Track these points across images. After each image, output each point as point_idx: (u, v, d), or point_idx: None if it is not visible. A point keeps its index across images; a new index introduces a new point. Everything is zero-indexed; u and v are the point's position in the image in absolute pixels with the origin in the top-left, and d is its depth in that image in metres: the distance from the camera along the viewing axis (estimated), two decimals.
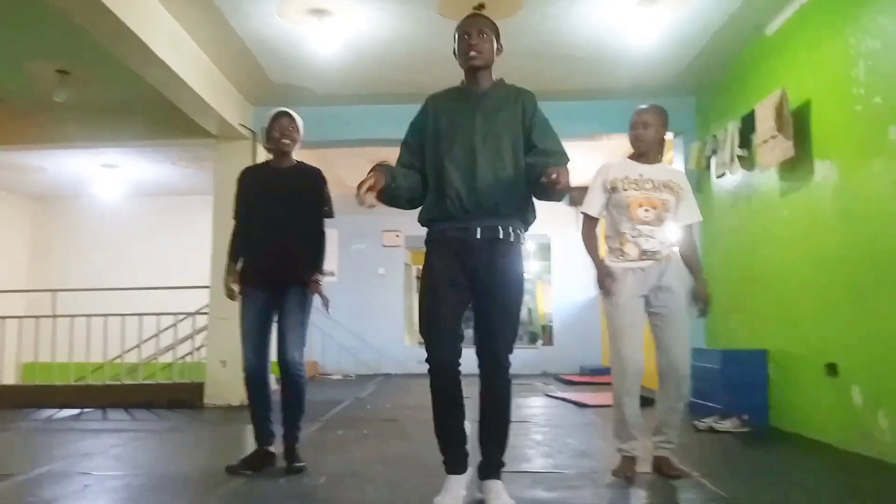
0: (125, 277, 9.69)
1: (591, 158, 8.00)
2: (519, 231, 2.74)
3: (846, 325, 4.05)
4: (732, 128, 5.31)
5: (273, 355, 3.47)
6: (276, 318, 3.50)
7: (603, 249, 3.42)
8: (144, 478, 3.47)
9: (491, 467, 2.71)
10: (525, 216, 2.78)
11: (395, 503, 2.93)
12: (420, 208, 2.81)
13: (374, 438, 4.53)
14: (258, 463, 3.41)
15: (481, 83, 2.80)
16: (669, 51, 5.44)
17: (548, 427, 5.04)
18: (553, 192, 2.51)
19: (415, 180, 2.78)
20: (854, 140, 4.01)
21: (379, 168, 2.62)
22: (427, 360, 2.66)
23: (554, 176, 2.44)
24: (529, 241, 11.36)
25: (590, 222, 3.45)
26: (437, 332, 2.66)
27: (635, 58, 5.52)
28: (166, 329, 7.36)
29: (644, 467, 3.34)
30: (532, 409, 6.11)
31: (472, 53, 2.73)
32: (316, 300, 3.52)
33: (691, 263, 3.48)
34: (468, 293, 2.70)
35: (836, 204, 4.19)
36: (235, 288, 3.56)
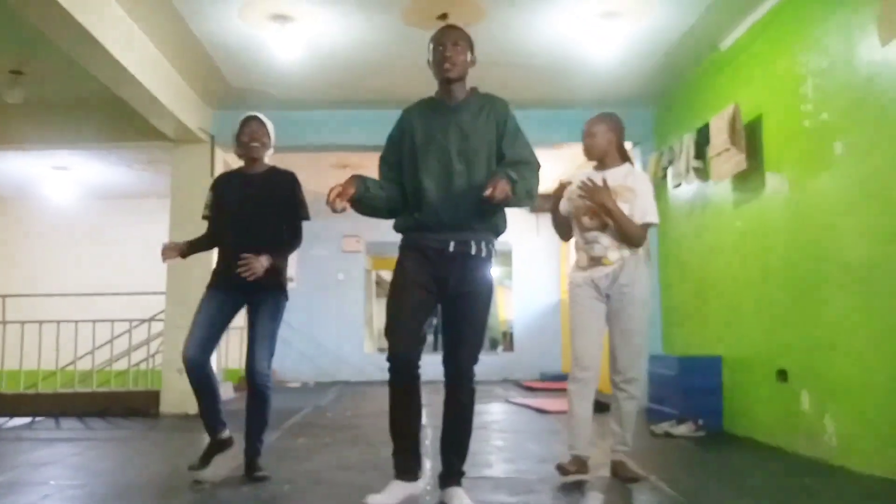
0: (78, 282, 9.46)
1: (553, 167, 8.19)
2: (491, 245, 2.82)
3: (794, 332, 4.21)
4: (688, 140, 5.46)
5: (234, 363, 3.44)
6: (229, 323, 3.49)
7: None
8: (106, 486, 3.42)
9: (452, 475, 2.77)
10: (498, 228, 2.86)
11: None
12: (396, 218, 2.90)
13: (336, 446, 4.53)
14: (213, 453, 3.42)
15: (455, 94, 2.84)
16: (628, 63, 5.57)
17: (509, 433, 5.10)
18: (490, 206, 2.63)
19: (395, 192, 2.84)
20: (802, 154, 4.17)
21: (353, 177, 2.69)
22: (388, 358, 2.70)
23: (488, 192, 2.54)
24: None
25: (565, 223, 3.59)
26: (400, 328, 2.71)
27: (595, 69, 5.64)
28: (120, 335, 7.22)
29: (603, 471, 3.42)
30: (493, 416, 6.17)
31: (447, 66, 2.76)
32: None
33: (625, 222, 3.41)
34: (435, 300, 2.77)
35: (784, 215, 4.35)
36: (173, 251, 3.54)
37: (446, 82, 2.82)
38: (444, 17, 4.78)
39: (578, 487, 3.26)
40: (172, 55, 5.53)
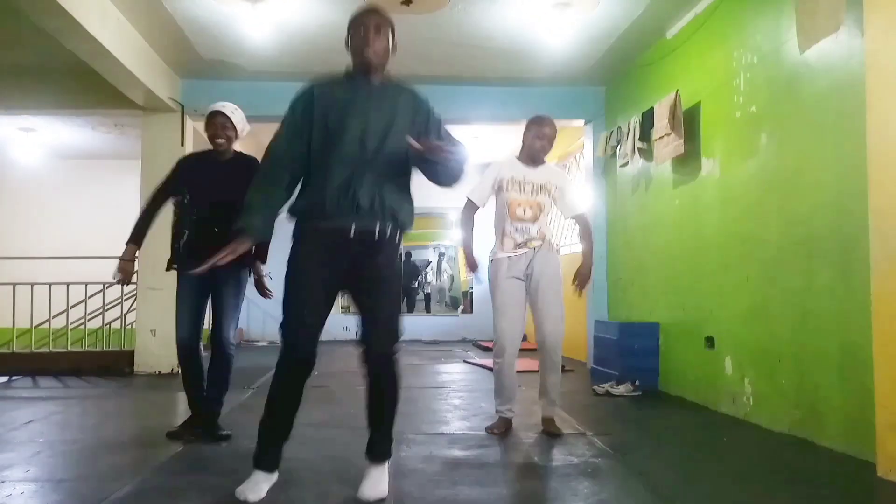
0: (48, 243, 9.61)
1: (513, 140, 8.53)
2: (396, 230, 2.67)
3: (719, 302, 4.68)
4: (634, 122, 5.85)
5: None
6: (208, 299, 3.72)
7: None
8: (92, 442, 3.75)
9: (376, 451, 2.74)
10: (403, 219, 2.68)
11: (326, 461, 3.31)
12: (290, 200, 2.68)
13: (304, 404, 4.82)
14: (191, 425, 3.71)
15: (373, 78, 2.66)
16: (581, 47, 5.91)
17: (465, 392, 5.53)
18: (420, 159, 2.53)
19: (281, 198, 2.64)
20: (733, 142, 4.58)
21: (240, 239, 2.57)
22: (286, 347, 2.60)
23: (416, 143, 2.46)
24: (451, 211, 11.78)
25: (470, 207, 4.01)
26: (300, 319, 2.55)
27: (551, 51, 5.96)
28: (93, 296, 7.44)
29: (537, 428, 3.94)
30: (451, 376, 6.60)
31: (369, 53, 2.60)
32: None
33: (584, 248, 4.07)
34: (337, 289, 2.71)
35: (716, 196, 4.78)
36: (130, 270, 3.74)
37: (365, 68, 2.63)
38: (408, 2, 5.03)
39: (525, 442, 3.71)
40: (142, 27, 5.66)
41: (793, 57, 3.90)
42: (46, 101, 7.04)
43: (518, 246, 3.89)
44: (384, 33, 2.64)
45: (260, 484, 2.62)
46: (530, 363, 6.86)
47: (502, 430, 3.86)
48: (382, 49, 2.63)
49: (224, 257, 2.55)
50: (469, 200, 3.99)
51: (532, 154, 3.93)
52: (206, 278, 3.64)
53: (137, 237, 3.79)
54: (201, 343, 3.77)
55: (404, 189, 2.69)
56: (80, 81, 6.43)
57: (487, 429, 3.90)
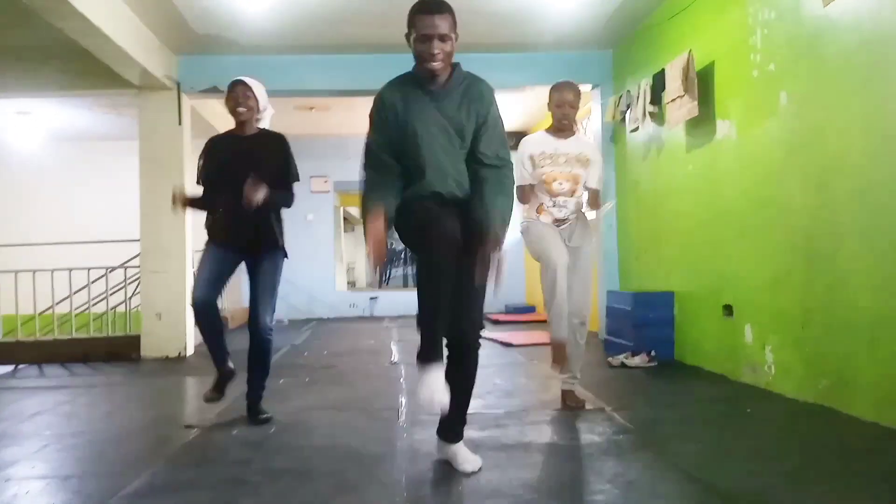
0: (50, 227, 9.51)
1: (517, 108, 8.35)
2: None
3: (739, 269, 4.54)
4: (644, 85, 5.66)
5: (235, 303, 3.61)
6: (231, 274, 3.68)
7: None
8: (103, 433, 3.65)
9: (457, 431, 2.85)
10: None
11: (340, 446, 3.21)
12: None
13: (315, 385, 4.81)
14: (224, 382, 3.68)
15: (439, 80, 2.66)
16: (588, 7, 5.71)
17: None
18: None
19: (398, 188, 2.70)
20: (751, 102, 4.40)
21: (378, 220, 2.54)
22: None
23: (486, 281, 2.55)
24: None
25: (524, 190, 3.78)
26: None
27: (557, 13, 5.76)
28: (96, 280, 7.34)
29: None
30: None
31: (434, 64, 2.58)
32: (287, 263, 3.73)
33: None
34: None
35: (733, 160, 4.61)
36: (181, 202, 3.66)
37: (430, 75, 2.63)
38: None
39: (542, 420, 3.60)
40: (136, 5, 5.50)
41: (815, 12, 3.71)
42: (42, 83, 6.91)
43: (556, 221, 3.77)
44: (450, 38, 2.59)
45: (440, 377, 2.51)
46: (541, 335, 6.78)
47: (576, 401, 3.82)
48: (448, 55, 2.61)
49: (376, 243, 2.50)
50: (519, 187, 3.70)
51: (558, 123, 3.78)
52: (238, 256, 3.64)
53: (193, 201, 3.73)
54: (218, 303, 3.64)
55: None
56: (76, 62, 6.25)
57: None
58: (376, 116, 2.69)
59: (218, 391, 3.68)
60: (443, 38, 2.56)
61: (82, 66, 6.25)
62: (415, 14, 2.59)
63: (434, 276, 2.51)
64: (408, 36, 2.64)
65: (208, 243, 3.65)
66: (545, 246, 3.67)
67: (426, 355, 2.51)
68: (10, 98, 7.93)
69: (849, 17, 3.48)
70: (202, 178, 3.73)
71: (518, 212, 3.70)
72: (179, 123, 6.67)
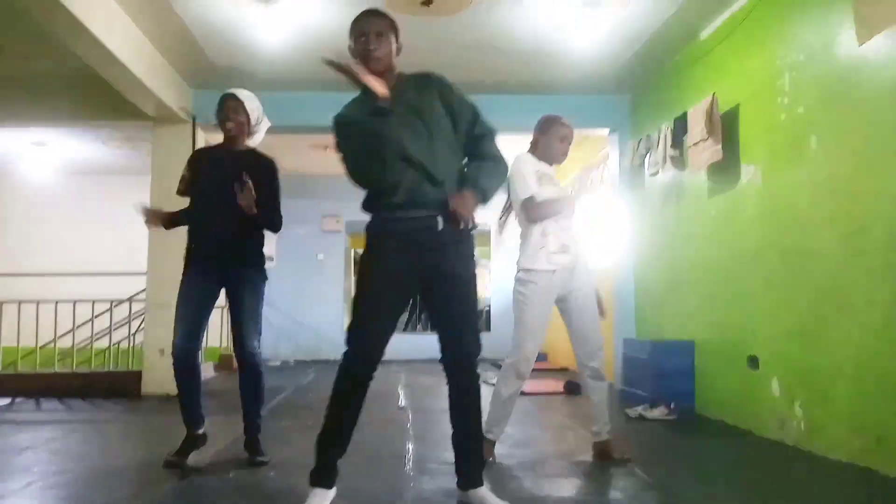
0: (57, 259, 9.42)
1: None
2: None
3: (764, 320, 4.33)
4: (665, 128, 5.54)
5: (213, 341, 3.44)
6: (214, 306, 3.45)
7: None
8: (88, 472, 3.45)
9: (476, 476, 2.71)
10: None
11: (342, 493, 3.00)
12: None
13: (318, 429, 4.56)
14: (189, 449, 3.40)
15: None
16: (609, 49, 5.62)
17: (487, 416, 5.19)
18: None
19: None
20: (778, 147, 4.26)
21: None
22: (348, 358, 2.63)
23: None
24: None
25: (534, 203, 3.47)
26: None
27: (576, 55, 5.67)
28: (101, 315, 7.21)
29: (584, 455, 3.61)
30: None
31: (375, 55, 2.57)
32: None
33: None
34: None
35: (757, 205, 4.45)
36: (156, 219, 3.49)
37: (378, 74, 2.58)
38: (428, 2, 4.79)
39: (558, 473, 3.38)
40: (154, 35, 5.47)
41: (847, 52, 3.59)
42: (56, 112, 6.87)
43: (564, 248, 3.47)
44: (386, 37, 2.60)
45: (318, 502, 2.53)
46: (556, 384, 6.55)
47: (492, 453, 3.52)
48: (385, 55, 2.60)
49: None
50: (530, 198, 3.47)
51: (554, 156, 3.65)
52: (217, 280, 3.40)
53: (173, 217, 3.55)
54: (199, 356, 3.44)
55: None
56: (90, 92, 6.23)
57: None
58: (340, 139, 2.70)
59: (182, 454, 3.38)
60: (379, 35, 2.56)
61: (98, 96, 6.22)
62: (352, 23, 2.64)
63: (344, 399, 2.60)
64: (350, 49, 2.65)
65: (186, 271, 3.41)
66: (529, 334, 3.46)
67: (316, 476, 2.55)
68: (26, 128, 7.93)
69: (882, 57, 3.35)
70: (186, 190, 3.54)
71: (522, 252, 3.52)
72: None
